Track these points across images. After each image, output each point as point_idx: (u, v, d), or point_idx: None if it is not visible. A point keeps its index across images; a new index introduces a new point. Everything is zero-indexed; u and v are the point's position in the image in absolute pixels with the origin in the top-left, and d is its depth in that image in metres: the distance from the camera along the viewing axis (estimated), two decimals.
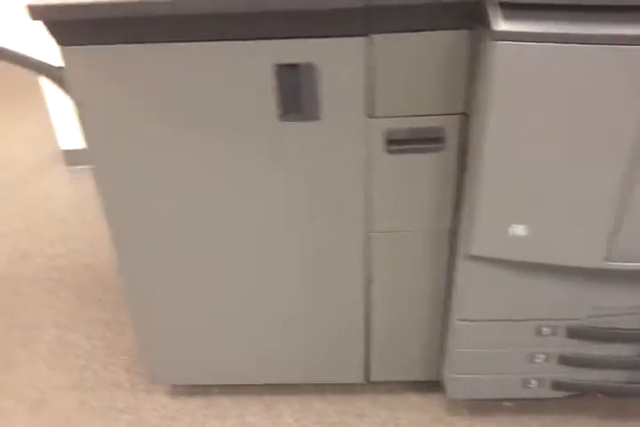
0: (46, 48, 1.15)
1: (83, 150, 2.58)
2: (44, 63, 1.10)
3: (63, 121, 2.48)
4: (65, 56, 0.99)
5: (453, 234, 1.20)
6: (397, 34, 0.97)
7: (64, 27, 0.94)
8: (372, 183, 1.13)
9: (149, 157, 1.09)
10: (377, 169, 1.12)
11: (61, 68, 1.03)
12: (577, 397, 1.32)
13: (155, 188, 1.13)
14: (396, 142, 1.09)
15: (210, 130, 1.07)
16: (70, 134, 2.52)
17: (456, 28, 0.97)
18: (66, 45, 0.97)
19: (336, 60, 0.99)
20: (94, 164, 1.10)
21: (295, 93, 1.03)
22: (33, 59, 1.10)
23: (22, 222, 2.25)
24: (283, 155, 1.09)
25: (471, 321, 1.26)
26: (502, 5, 0.90)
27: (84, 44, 0.97)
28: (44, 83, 2.38)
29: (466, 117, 1.06)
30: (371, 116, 1.06)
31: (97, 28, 0.95)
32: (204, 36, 0.97)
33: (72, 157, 2.60)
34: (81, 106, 1.04)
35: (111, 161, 1.10)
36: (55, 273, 1.95)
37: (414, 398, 1.44)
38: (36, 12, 0.89)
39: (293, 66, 1.00)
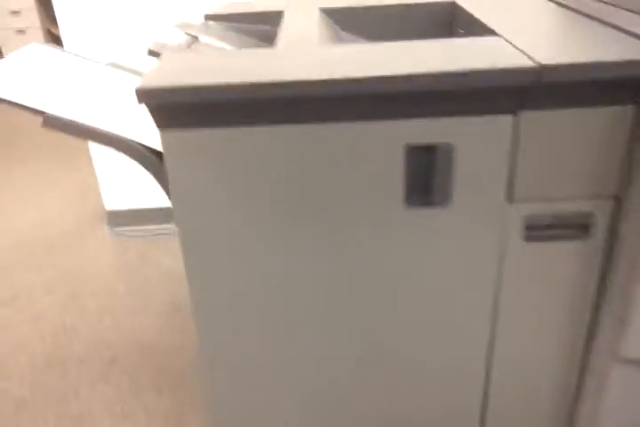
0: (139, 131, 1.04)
1: (127, 211, 2.50)
2: (142, 147, 1.00)
3: (109, 181, 2.39)
4: (166, 140, 0.88)
5: (591, 330, 1.06)
6: (550, 110, 0.86)
7: (175, 110, 0.83)
8: (504, 273, 1.00)
9: (252, 250, 0.97)
10: (511, 258, 0.99)
11: (160, 153, 0.93)
12: None
13: (256, 283, 1.00)
14: (536, 229, 0.96)
15: (323, 217, 0.95)
16: (115, 195, 2.43)
17: (619, 104, 0.85)
18: (169, 129, 0.86)
19: (478, 140, 0.88)
20: (186, 250, 0.98)
21: (426, 176, 0.91)
22: (130, 141, 1.00)
23: (65, 292, 2.13)
24: (405, 243, 0.97)
25: None
26: None
27: (190, 128, 0.86)
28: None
29: (619, 201, 0.94)
30: (510, 201, 0.94)
31: (207, 110, 0.84)
32: (324, 117, 0.86)
33: (115, 218, 2.50)
34: (178, 192, 0.92)
35: (206, 252, 0.97)
36: (105, 352, 1.82)
37: None
38: (147, 95, 0.79)
39: (427, 147, 0.88)
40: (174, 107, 0.83)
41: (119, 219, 2.50)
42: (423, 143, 0.89)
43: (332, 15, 1.24)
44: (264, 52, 0.96)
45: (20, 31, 4.52)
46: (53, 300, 2.09)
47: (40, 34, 4.56)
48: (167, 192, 1.05)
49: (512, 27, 1.03)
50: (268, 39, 1.23)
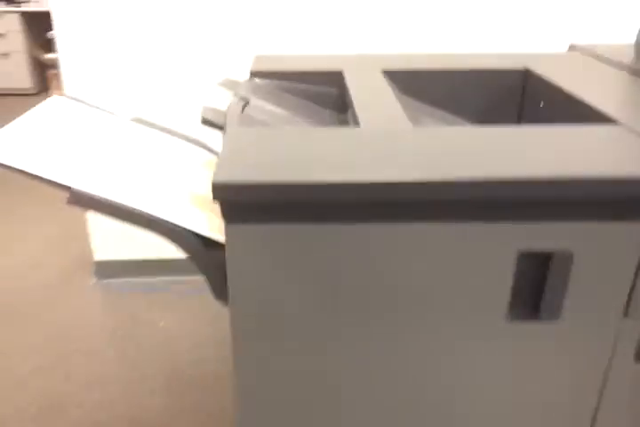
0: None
1: (116, 262, 2.32)
2: (184, 231, 0.85)
3: (100, 228, 2.21)
4: (232, 233, 0.74)
5: None
6: None
7: (253, 206, 0.69)
8: (607, 391, 0.88)
9: (322, 355, 0.83)
10: (616, 375, 0.87)
11: (217, 245, 0.79)
12: None
13: (325, 391, 0.85)
14: None
15: (408, 323, 0.82)
16: (105, 243, 2.25)
17: None
18: (237, 223, 0.72)
19: (602, 248, 0.76)
20: (240, 345, 0.82)
21: (537, 287, 0.78)
22: (171, 225, 0.85)
23: (50, 357, 1.93)
24: (502, 357, 0.84)
25: None
26: None
27: (262, 223, 0.72)
28: None
29: None
30: (625, 315, 0.81)
31: (291, 206, 0.70)
32: (422, 217, 0.73)
33: (104, 269, 2.31)
34: (240, 286, 0.78)
35: (264, 349, 0.83)
36: None
37: None
38: (226, 191, 0.65)
39: (542, 254, 0.75)
40: (254, 203, 0.69)
41: (107, 271, 2.32)
42: (539, 250, 0.76)
43: (394, 77, 1.13)
44: (350, 134, 0.83)
45: (4, 55, 4.36)
46: (36, 368, 1.89)
47: (24, 58, 4.41)
48: (211, 280, 0.90)
49: (617, 107, 0.93)
50: (325, 102, 1.12)
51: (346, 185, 0.68)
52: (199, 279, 2.38)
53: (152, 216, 0.88)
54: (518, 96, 1.17)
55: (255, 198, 0.69)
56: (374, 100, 0.96)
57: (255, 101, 1.00)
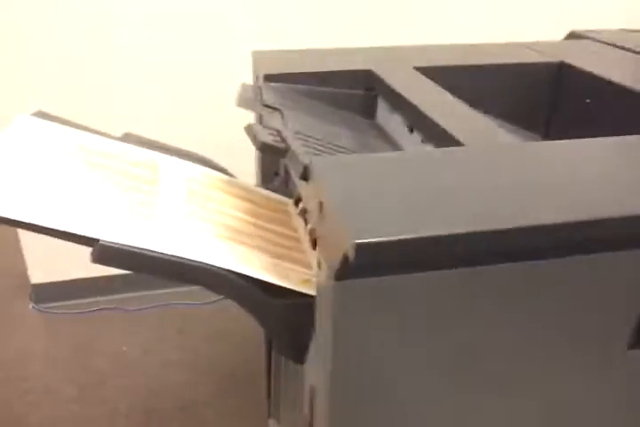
0: None
1: (55, 284, 2.07)
2: (250, 284, 0.71)
3: (36, 247, 1.95)
4: (344, 290, 0.61)
5: None
6: None
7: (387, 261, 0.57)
8: None
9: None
10: None
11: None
12: None
13: None
14: None
15: (521, 362, 0.73)
16: (43, 264, 2.00)
17: None
18: (356, 278, 0.60)
19: None
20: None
21: None
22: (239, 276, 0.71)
23: None
24: (620, 386, 0.79)
25: None
26: None
27: (381, 275, 0.61)
28: None
29: None
30: None
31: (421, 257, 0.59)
32: (559, 254, 0.64)
33: (42, 293, 2.07)
34: (350, 352, 0.66)
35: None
36: None
37: None
38: (371, 251, 0.52)
39: None
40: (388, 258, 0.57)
41: (45, 294, 2.08)
42: None
43: (427, 74, 1.02)
44: (461, 156, 0.72)
45: None
46: None
47: None
48: (278, 335, 0.77)
49: None
50: (349, 106, 1.00)
51: (509, 231, 0.57)
52: (150, 294, 2.18)
53: (206, 265, 0.73)
54: (548, 91, 1.10)
55: (400, 254, 0.56)
56: (445, 108, 0.85)
57: (288, 112, 0.86)
